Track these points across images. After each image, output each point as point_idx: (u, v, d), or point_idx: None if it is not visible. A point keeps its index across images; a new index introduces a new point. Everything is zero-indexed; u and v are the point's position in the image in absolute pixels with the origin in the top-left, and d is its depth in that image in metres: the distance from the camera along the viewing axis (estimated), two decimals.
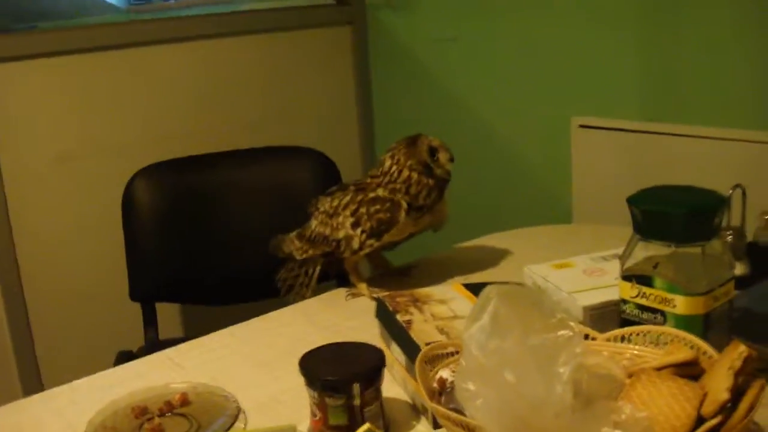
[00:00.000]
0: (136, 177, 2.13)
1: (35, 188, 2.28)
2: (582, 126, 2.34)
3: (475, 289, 1.13)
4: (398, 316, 1.06)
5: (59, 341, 2.35)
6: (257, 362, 1.20)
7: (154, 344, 2.12)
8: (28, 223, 2.27)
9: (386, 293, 1.15)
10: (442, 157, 1.41)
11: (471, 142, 2.61)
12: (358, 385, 0.92)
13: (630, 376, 0.85)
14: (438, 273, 1.47)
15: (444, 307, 1.08)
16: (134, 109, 2.41)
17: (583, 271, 1.20)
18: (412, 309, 1.08)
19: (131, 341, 2.14)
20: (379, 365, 0.94)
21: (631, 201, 1.00)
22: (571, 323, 0.76)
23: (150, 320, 2.18)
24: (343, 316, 1.33)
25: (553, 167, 2.44)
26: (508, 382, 0.70)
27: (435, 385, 0.90)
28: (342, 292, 1.43)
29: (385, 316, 1.10)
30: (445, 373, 0.91)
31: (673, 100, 2.17)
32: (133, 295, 2.14)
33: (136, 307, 2.16)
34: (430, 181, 1.38)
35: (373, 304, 1.31)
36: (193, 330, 2.49)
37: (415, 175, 1.37)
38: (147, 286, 2.15)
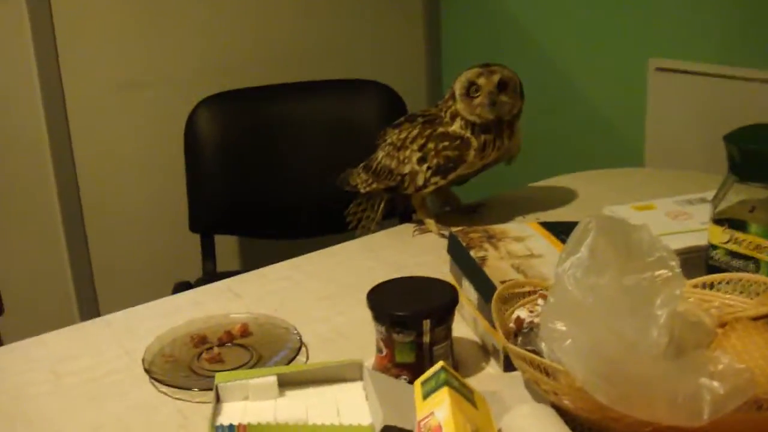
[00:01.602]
0: (199, 107, 2.10)
1: (98, 115, 2.25)
2: (659, 69, 2.24)
3: (553, 227, 1.07)
4: (472, 252, 1.00)
5: (117, 270, 2.34)
6: (320, 295, 1.15)
7: (212, 276, 2.10)
8: (89, 150, 2.25)
9: (458, 229, 1.09)
10: (478, 99, 1.31)
11: (542, 79, 2.53)
12: (429, 321, 0.87)
13: (722, 325, 0.79)
14: (508, 212, 1.41)
15: (520, 245, 1.02)
16: (198, 38, 2.36)
17: (666, 214, 1.13)
18: (487, 245, 1.02)
19: (189, 273, 2.12)
20: (452, 302, 0.89)
21: (729, 139, 0.93)
22: (672, 262, 0.70)
23: (209, 252, 2.16)
24: (410, 253, 1.28)
25: (627, 110, 2.35)
26: (603, 321, 0.64)
27: (511, 325, 0.84)
28: (409, 228, 1.38)
29: (457, 251, 1.04)
30: (522, 313, 0.85)
31: (757, 42, 2.07)
32: (193, 226, 2.12)
33: (195, 239, 2.14)
34: (509, 99, 1.32)
35: (441, 242, 1.26)
36: (251, 264, 2.45)
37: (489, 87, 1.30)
38: (207, 217, 2.12)
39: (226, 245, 2.40)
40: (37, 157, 2.18)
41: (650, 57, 2.25)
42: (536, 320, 0.83)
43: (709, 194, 1.19)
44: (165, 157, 2.30)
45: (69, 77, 2.18)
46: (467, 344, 0.98)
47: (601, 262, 0.69)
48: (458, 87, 1.32)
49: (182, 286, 2.02)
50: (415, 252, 1.28)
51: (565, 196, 1.48)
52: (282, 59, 2.49)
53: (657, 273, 0.68)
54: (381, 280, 0.93)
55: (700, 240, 1.02)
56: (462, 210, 1.44)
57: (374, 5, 2.66)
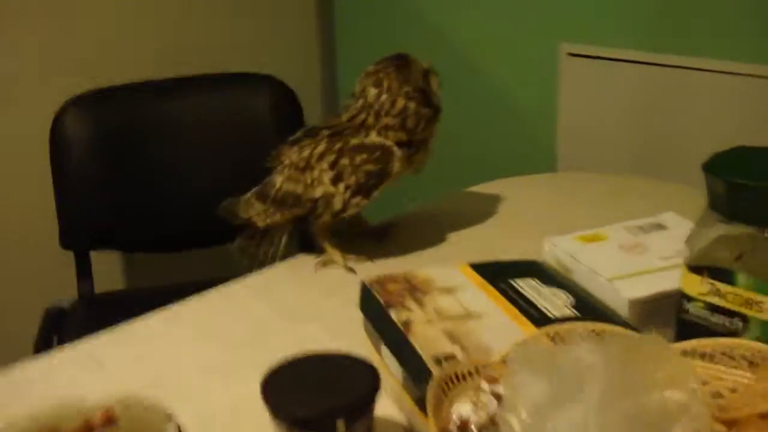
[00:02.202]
0: (67, 107, 1.86)
1: None
2: (571, 54, 2.08)
3: (488, 272, 0.88)
4: (393, 314, 0.80)
5: None
6: (204, 362, 0.93)
7: (89, 298, 1.87)
8: None
9: (372, 279, 0.88)
10: (434, 82, 1.16)
11: (443, 70, 2.35)
12: (343, 421, 0.67)
13: (728, 423, 0.60)
14: (425, 234, 1.21)
15: (451, 300, 0.82)
16: (66, 27, 2.10)
17: (620, 247, 0.94)
18: (410, 302, 0.82)
19: (64, 294, 1.89)
20: (372, 391, 0.69)
21: (711, 168, 0.74)
22: (692, 378, 0.50)
23: (84, 271, 1.92)
24: (313, 294, 1.07)
25: (536, 101, 2.19)
26: None
27: (453, 428, 0.64)
28: (308, 259, 1.17)
29: (373, 310, 0.84)
30: (465, 409, 0.66)
31: (677, 26, 1.92)
32: (64, 242, 1.88)
33: (69, 256, 1.90)
34: (429, 112, 1.12)
35: (349, 278, 1.06)
36: (134, 281, 2.23)
37: (412, 105, 1.10)
38: (79, 231, 1.89)
39: (106, 261, 2.15)
40: None
41: (561, 41, 2.10)
42: (484, 418, 0.64)
43: (666, 218, 1.02)
44: (29, 162, 2.04)
45: None
46: (391, 427, 0.79)
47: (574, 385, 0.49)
48: (418, 78, 1.13)
49: (53, 314, 1.79)
50: (319, 292, 1.07)
51: (486, 212, 1.29)
52: (162, 52, 2.24)
53: (668, 394, 0.49)
54: (280, 335, 0.72)
55: (667, 283, 0.84)
56: (371, 233, 1.24)
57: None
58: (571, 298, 0.83)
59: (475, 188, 1.40)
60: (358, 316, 0.88)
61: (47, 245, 1.93)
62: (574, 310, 0.80)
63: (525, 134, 2.24)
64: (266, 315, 1.02)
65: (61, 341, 1.71)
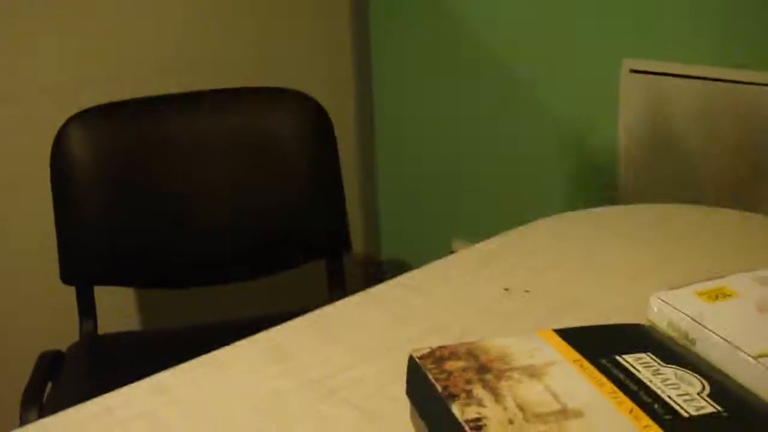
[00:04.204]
0: (70, 124, 1.66)
1: None
2: (634, 71, 1.87)
3: (583, 342, 0.64)
4: (455, 409, 0.56)
5: None
6: None
7: (91, 340, 1.66)
8: None
9: (424, 351, 0.64)
10: None
11: (493, 89, 2.15)
12: None
13: None
14: (482, 282, 0.97)
15: (538, 388, 0.58)
16: (72, 38, 1.90)
17: (758, 307, 0.70)
18: (479, 390, 0.58)
19: (64, 335, 1.67)
20: None
21: None
22: None
23: (86, 309, 1.71)
24: (342, 358, 0.83)
25: (594, 125, 1.98)
26: None
27: None
28: (341, 310, 0.93)
29: (425, 398, 0.60)
30: None
31: (743, 39, 1.70)
32: (66, 277, 1.66)
33: (70, 292, 1.69)
34: None
35: (392, 335, 0.82)
36: (140, 321, 2.01)
37: None
38: (83, 265, 1.67)
39: (111, 298, 1.93)
40: None
41: (624, 57, 1.90)
42: None
43: None
44: (30, 188, 1.84)
45: None
46: None
47: None
48: None
49: (49, 359, 1.57)
50: (352, 357, 0.83)
51: (556, 254, 1.04)
52: (183, 65, 2.04)
53: None
54: (297, 414, 0.50)
55: None
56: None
57: (297, 14, 2.22)
58: (705, 383, 0.59)
59: (540, 222, 1.16)
60: (403, 395, 0.64)
61: (47, 280, 1.72)
62: (714, 404, 0.56)
63: (580, 157, 2.03)
64: (282, 385, 0.78)
65: (56, 387, 1.50)
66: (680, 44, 1.82)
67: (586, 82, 2.01)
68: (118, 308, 1.99)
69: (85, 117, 1.68)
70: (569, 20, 2.00)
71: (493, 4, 2.11)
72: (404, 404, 0.67)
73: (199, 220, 1.71)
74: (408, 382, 0.63)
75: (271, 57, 2.18)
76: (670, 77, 1.86)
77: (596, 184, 2.00)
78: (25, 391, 1.49)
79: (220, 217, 1.71)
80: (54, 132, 1.69)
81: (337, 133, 1.73)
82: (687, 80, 1.84)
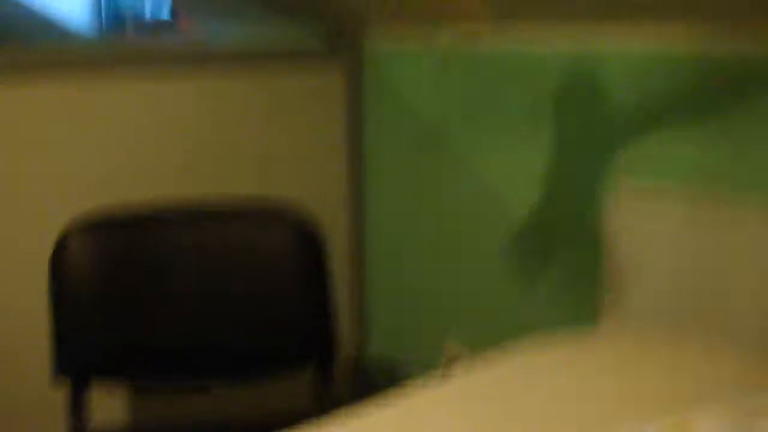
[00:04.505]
0: (71, 230, 1.75)
1: None
2: (623, 189, 1.96)
3: None
4: None
5: None
6: None
7: None
8: None
9: None
10: None
11: (479, 202, 2.25)
12: None
13: None
14: (464, 410, 1.04)
15: None
16: (75, 146, 2.03)
17: None
18: None
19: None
20: None
21: None
22: None
23: (78, 405, 1.77)
24: None
25: (582, 243, 2.07)
26: None
27: None
28: None
29: None
30: None
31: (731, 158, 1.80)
32: (58, 370, 1.74)
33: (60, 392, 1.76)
34: None
35: None
36: (135, 419, 2.09)
37: None
38: (76, 359, 1.76)
39: (105, 396, 2.01)
40: None
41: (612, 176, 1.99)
42: None
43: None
44: (23, 285, 1.94)
45: None
46: None
47: None
48: None
49: None
50: None
51: (532, 384, 1.11)
52: (179, 174, 2.15)
53: None
54: None
55: None
56: None
57: (290, 124, 2.36)
58: None
59: (517, 350, 1.22)
60: None
61: (36, 377, 1.80)
62: None
63: (567, 264, 2.11)
64: None
65: None
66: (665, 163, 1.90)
67: (573, 198, 2.10)
68: (111, 404, 2.07)
69: (86, 224, 1.78)
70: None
71: (486, 128, 2.23)
72: None
73: (191, 326, 1.80)
74: None
75: (268, 168, 2.31)
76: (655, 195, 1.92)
77: (585, 295, 2.08)
78: None
79: (213, 324, 1.80)
80: (49, 234, 1.78)
81: (328, 235, 1.84)
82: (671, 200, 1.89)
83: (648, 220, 1.94)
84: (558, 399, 0.96)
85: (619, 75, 1.96)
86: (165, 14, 3.45)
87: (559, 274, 2.12)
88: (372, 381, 2.52)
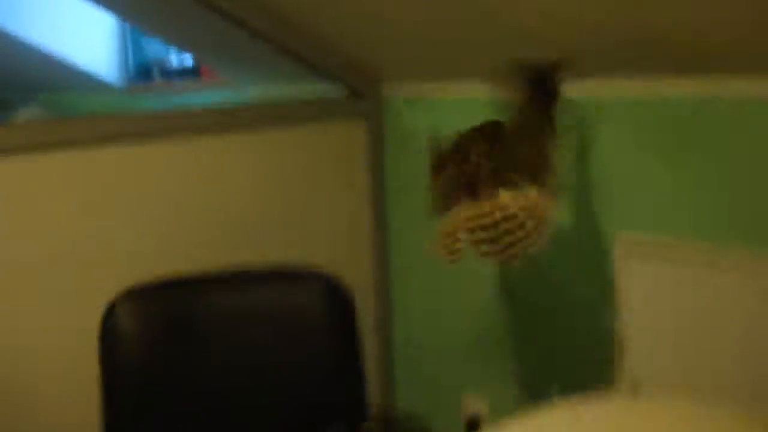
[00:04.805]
0: (118, 301, 1.84)
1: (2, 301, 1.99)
2: (629, 244, 2.04)
3: None
4: None
5: None
6: None
7: None
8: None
9: None
10: None
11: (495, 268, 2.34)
12: None
13: None
14: None
15: None
16: (115, 217, 2.13)
17: None
18: None
19: None
20: None
21: None
22: None
23: None
24: None
25: (593, 292, 2.14)
26: None
27: None
28: None
29: None
30: None
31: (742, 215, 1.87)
32: None
33: None
34: None
35: None
36: None
37: None
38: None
39: None
40: None
41: (617, 230, 2.07)
42: None
43: None
44: (78, 355, 2.03)
45: None
46: None
47: None
48: None
49: None
50: None
51: None
52: (214, 239, 2.26)
53: None
54: None
55: None
56: None
57: (316, 181, 2.46)
58: None
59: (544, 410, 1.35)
60: None
61: None
62: None
63: (582, 321, 2.19)
64: None
65: None
66: (675, 219, 1.98)
67: (583, 254, 2.17)
68: None
69: (131, 295, 1.87)
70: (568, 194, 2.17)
71: None
72: None
73: (231, 391, 1.88)
74: None
75: (297, 228, 2.41)
76: (665, 250, 1.99)
77: (598, 358, 2.15)
78: None
79: (250, 388, 1.88)
80: (96, 302, 1.87)
81: (355, 294, 1.93)
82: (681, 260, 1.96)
83: (647, 276, 2.00)
84: None
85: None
86: (189, 62, 3.54)
87: (574, 333, 2.19)
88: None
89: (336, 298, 1.91)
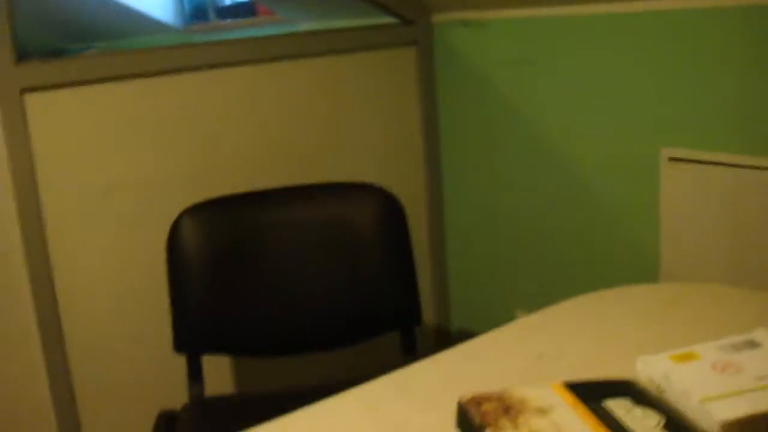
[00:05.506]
0: (183, 216, 1.95)
1: (77, 224, 2.10)
2: (672, 159, 2.10)
3: (582, 392, 0.91)
4: None
5: (100, 393, 2.17)
6: None
7: (199, 402, 1.94)
8: (68, 264, 2.10)
9: (467, 398, 0.91)
10: None
11: (546, 176, 2.40)
12: None
13: None
14: (523, 349, 1.24)
15: (545, 422, 0.85)
16: (184, 140, 2.23)
17: (712, 366, 0.96)
18: (504, 421, 0.85)
19: (175, 398, 1.95)
20: None
21: None
22: None
23: (195, 374, 1.99)
24: (415, 407, 1.11)
25: (639, 208, 2.20)
26: None
27: None
28: (411, 372, 1.21)
29: (469, 430, 0.87)
30: None
31: None
32: (178, 346, 1.95)
33: (182, 360, 1.98)
34: None
35: (450, 389, 1.10)
36: (243, 386, 2.29)
37: None
38: (192, 335, 1.96)
39: (216, 365, 2.23)
40: (11, 270, 2.02)
41: (662, 147, 2.12)
42: None
43: (758, 335, 1.03)
44: (148, 269, 2.15)
45: (46, 184, 2.04)
46: None
47: None
48: None
49: (166, 417, 1.86)
50: (422, 407, 1.11)
51: (585, 327, 1.31)
52: (271, 162, 2.35)
53: None
54: None
55: (759, 404, 0.85)
56: None
57: (370, 102, 2.53)
58: (663, 420, 0.85)
59: (576, 300, 1.43)
60: None
61: (163, 349, 2.00)
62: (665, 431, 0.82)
63: (627, 239, 2.25)
64: (372, 428, 1.06)
65: None
66: (718, 134, 2.03)
67: (627, 169, 2.23)
68: (222, 373, 2.29)
69: (195, 210, 1.98)
70: (613, 112, 2.23)
71: (549, 96, 2.37)
72: None
73: (288, 298, 1.99)
74: (457, 419, 0.91)
75: (351, 151, 2.49)
76: (708, 165, 2.05)
77: (641, 261, 2.23)
78: None
79: (307, 295, 1.98)
80: (163, 217, 1.98)
81: (409, 215, 2.01)
82: (723, 168, 2.02)
83: (700, 187, 2.05)
84: (576, 339, 1.16)
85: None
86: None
87: (620, 240, 2.25)
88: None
89: (388, 208, 1.99)
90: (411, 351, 1.97)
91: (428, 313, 2.71)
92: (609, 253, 2.30)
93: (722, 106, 1.99)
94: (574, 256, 2.37)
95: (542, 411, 0.87)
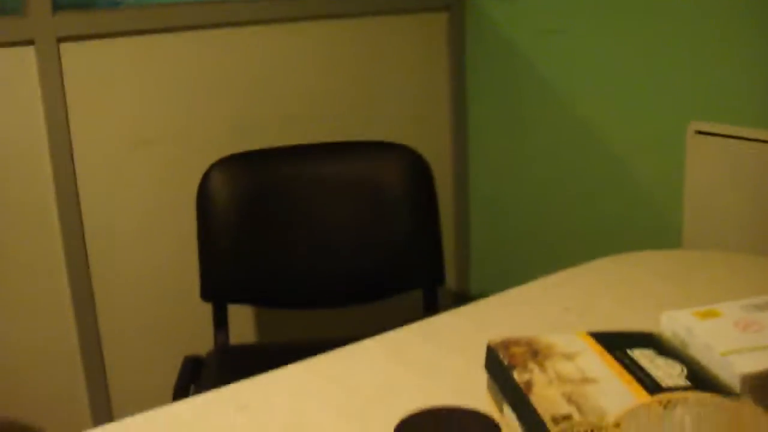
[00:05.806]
0: (213, 168, 1.98)
1: (108, 175, 2.14)
2: (699, 132, 2.11)
3: (607, 341, 0.94)
4: (515, 374, 0.87)
5: (127, 339, 2.21)
6: (341, 410, 1.02)
7: (224, 349, 1.98)
8: (98, 213, 2.14)
9: (497, 341, 0.95)
10: None
11: (572, 145, 2.41)
12: None
13: None
14: (549, 304, 1.28)
15: (571, 366, 0.88)
16: (216, 95, 2.26)
17: (734, 324, 0.99)
18: (532, 364, 0.88)
19: (201, 344, 2.00)
20: None
21: None
22: None
23: (221, 322, 2.03)
24: (441, 352, 1.15)
25: (663, 179, 2.22)
26: None
27: None
28: (437, 321, 1.24)
29: (497, 370, 0.91)
30: None
31: None
32: (205, 294, 1.99)
33: (208, 308, 2.02)
34: None
35: (476, 337, 1.13)
36: (266, 335, 2.34)
37: None
38: (219, 285, 2.00)
39: (241, 314, 2.27)
40: (43, 218, 2.06)
41: (690, 120, 2.13)
42: None
43: None
44: (177, 219, 2.19)
45: (79, 135, 2.07)
46: None
47: None
48: None
49: (191, 362, 1.90)
50: (447, 350, 1.15)
51: (610, 285, 1.35)
52: (300, 119, 2.38)
53: None
54: (408, 390, 0.79)
55: None
56: None
57: (400, 65, 2.56)
58: (685, 369, 0.88)
59: (601, 261, 1.46)
60: (483, 375, 0.94)
61: (190, 296, 2.05)
62: (687, 381, 0.85)
63: (651, 209, 2.27)
64: (394, 369, 1.10)
65: (198, 389, 1.81)
66: (745, 108, 2.05)
67: (654, 141, 2.25)
68: (246, 323, 2.33)
69: (225, 163, 2.01)
70: (642, 84, 2.25)
71: (578, 66, 2.39)
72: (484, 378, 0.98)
73: (315, 253, 2.02)
74: (486, 360, 0.94)
75: (376, 111, 2.52)
76: (734, 139, 2.07)
77: (664, 231, 2.25)
78: (175, 388, 1.82)
79: (334, 250, 2.02)
80: (194, 171, 2.01)
81: (435, 177, 2.04)
82: (749, 143, 2.04)
83: (726, 160, 2.07)
84: (601, 296, 1.19)
85: None
86: None
87: (644, 210, 2.27)
88: None
89: (416, 168, 2.02)
90: (433, 310, 2.00)
91: (449, 277, 2.75)
92: (632, 223, 2.32)
93: (753, 82, 2.00)
94: (596, 226, 2.40)
95: (569, 356, 0.90)
